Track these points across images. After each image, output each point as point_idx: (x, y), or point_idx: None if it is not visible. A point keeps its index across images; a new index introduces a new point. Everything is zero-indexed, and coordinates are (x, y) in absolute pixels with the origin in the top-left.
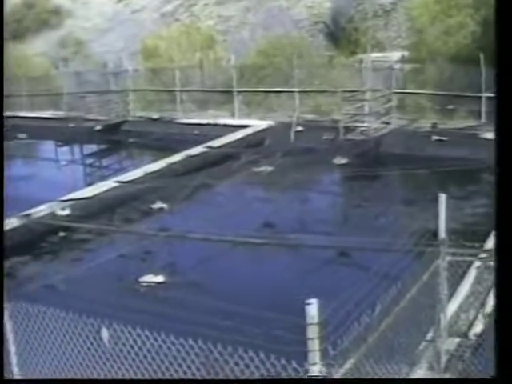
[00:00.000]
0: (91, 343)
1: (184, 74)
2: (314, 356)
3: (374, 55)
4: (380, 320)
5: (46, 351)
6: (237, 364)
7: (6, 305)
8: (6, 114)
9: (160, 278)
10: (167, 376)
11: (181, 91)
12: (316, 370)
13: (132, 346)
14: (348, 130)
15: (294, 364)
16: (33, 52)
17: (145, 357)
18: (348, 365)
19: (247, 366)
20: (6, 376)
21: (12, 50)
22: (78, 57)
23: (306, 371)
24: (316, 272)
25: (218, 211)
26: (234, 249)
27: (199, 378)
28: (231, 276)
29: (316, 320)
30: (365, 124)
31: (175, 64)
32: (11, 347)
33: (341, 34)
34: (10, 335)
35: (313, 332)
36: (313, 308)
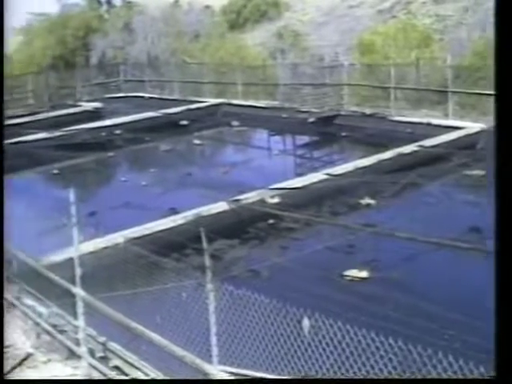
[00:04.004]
0: (291, 331)
1: (399, 71)
2: None
3: None
4: None
5: (247, 334)
6: (434, 367)
7: (210, 285)
8: (220, 100)
9: (364, 274)
10: (363, 372)
11: (395, 88)
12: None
13: (331, 339)
14: None
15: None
16: (251, 42)
17: (343, 350)
18: None
19: (445, 370)
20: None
21: (231, 39)
22: (294, 49)
23: None
24: None
25: (425, 211)
26: (438, 250)
27: (396, 376)
28: (434, 278)
29: None
30: None
31: (391, 61)
32: (212, 328)
33: None
34: (212, 316)
35: None
36: None
